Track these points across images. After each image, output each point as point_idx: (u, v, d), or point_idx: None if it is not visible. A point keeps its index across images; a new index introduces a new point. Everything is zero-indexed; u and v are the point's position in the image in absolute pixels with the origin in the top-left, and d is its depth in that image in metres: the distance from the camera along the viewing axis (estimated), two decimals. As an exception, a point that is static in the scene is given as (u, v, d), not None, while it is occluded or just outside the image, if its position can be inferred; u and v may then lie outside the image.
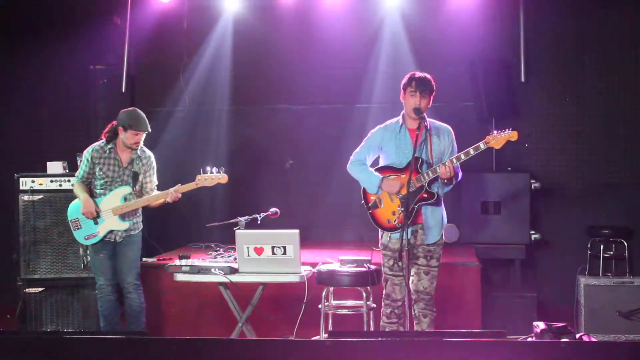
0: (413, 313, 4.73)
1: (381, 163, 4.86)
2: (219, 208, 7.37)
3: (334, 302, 5.32)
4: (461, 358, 3.08)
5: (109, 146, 5.42)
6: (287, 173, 7.62)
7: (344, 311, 5.27)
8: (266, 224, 5.41)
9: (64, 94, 7.71)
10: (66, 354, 3.23)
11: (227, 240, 5.89)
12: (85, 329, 5.96)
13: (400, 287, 4.71)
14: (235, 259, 5.09)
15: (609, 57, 7.15)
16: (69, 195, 5.70)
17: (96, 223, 5.36)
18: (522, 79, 7.09)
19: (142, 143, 5.42)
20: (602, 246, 6.61)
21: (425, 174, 4.62)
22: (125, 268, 5.40)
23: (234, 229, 5.13)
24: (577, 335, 3.95)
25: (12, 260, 6.06)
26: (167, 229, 7.20)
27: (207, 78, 7.64)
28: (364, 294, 5.11)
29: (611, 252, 6.66)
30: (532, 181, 6.72)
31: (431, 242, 4.72)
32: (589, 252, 6.69)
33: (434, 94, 4.74)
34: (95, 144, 5.48)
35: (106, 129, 5.46)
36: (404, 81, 4.75)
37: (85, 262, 5.89)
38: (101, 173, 5.40)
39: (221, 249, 5.96)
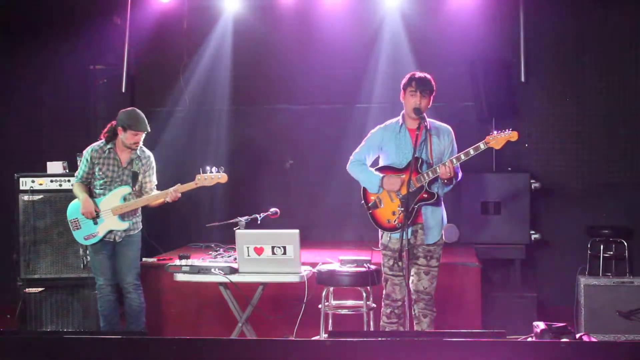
0: (413, 313, 4.73)
1: (381, 163, 4.86)
2: (218, 208, 7.37)
3: (334, 302, 5.31)
4: (461, 358, 3.08)
5: (109, 146, 5.42)
6: (287, 173, 7.62)
7: (344, 311, 5.27)
8: (266, 224, 5.41)
9: (64, 94, 7.71)
10: (66, 354, 3.23)
11: (227, 240, 5.89)
12: (85, 329, 5.96)
13: (400, 287, 4.71)
14: (235, 259, 5.09)
15: (609, 57, 7.15)
16: (69, 195, 5.69)
17: (96, 223, 5.36)
18: (522, 79, 7.08)
19: (141, 143, 5.42)
20: (602, 246, 6.60)
21: (425, 174, 4.62)
22: (125, 268, 5.40)
23: (234, 229, 5.13)
24: (577, 335, 3.95)
25: (12, 260, 6.06)
26: (166, 229, 7.19)
27: (207, 78, 7.64)
28: (364, 294, 5.11)
29: (611, 252, 6.66)
30: (532, 181, 6.72)
31: (431, 242, 4.72)
32: (589, 252, 6.69)
33: (434, 94, 4.74)
34: (95, 144, 5.48)
35: (105, 129, 5.45)
36: (404, 81, 4.74)
37: (85, 262, 5.89)
38: (100, 173, 5.40)
39: (221, 249, 5.95)
